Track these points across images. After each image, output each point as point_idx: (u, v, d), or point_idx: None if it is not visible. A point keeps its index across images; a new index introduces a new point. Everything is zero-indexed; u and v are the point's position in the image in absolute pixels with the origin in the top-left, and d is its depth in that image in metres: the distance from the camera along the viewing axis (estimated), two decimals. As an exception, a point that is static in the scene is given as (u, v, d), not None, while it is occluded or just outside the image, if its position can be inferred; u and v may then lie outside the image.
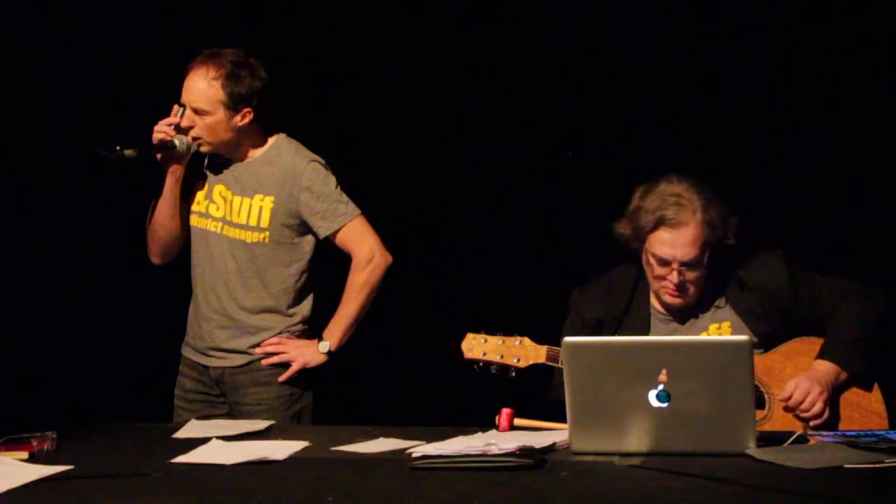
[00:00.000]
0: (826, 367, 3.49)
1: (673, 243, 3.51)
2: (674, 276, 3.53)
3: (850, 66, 4.49)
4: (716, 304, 3.63)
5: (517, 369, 3.60)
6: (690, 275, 3.53)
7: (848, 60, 4.48)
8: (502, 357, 3.60)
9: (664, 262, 3.53)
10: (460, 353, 3.65)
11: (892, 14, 4.40)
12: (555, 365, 3.56)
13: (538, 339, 3.61)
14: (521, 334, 3.61)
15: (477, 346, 3.62)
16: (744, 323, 3.59)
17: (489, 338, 3.63)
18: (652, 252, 3.55)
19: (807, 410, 3.44)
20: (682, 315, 3.64)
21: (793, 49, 4.55)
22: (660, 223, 3.52)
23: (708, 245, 3.52)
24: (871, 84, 4.48)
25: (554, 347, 3.56)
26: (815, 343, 3.57)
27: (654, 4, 4.67)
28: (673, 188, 3.53)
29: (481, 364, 3.62)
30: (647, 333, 3.61)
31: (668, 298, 3.59)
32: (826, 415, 3.45)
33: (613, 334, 3.59)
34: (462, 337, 3.67)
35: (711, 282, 3.62)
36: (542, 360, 3.58)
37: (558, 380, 3.58)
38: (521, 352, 3.59)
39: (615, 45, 4.69)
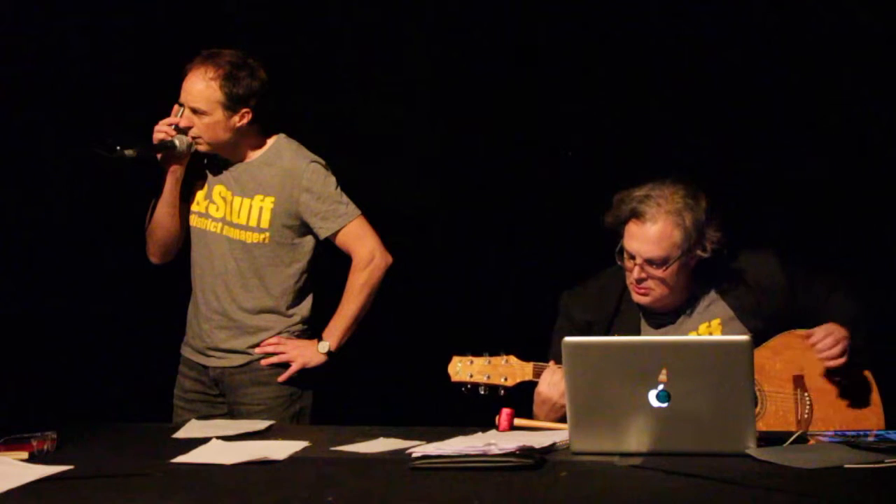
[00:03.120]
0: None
1: (639, 238, 3.52)
2: (635, 272, 3.54)
3: (848, 66, 4.49)
4: (707, 302, 3.64)
5: (506, 388, 3.59)
6: (654, 273, 3.53)
7: (846, 60, 4.49)
8: (489, 378, 3.59)
9: (630, 256, 3.55)
10: (446, 377, 3.64)
11: (890, 14, 4.41)
12: None
13: (523, 355, 3.61)
14: (507, 351, 3.60)
15: (464, 369, 3.61)
16: (735, 316, 3.59)
17: (475, 359, 3.61)
18: (623, 243, 3.57)
19: (828, 349, 3.44)
20: (671, 316, 3.64)
21: (791, 49, 4.55)
22: (632, 216, 3.54)
23: (678, 249, 3.51)
24: (868, 83, 4.49)
25: (540, 364, 3.56)
26: (804, 336, 3.58)
27: (654, 4, 4.67)
28: (660, 188, 3.54)
29: (469, 386, 3.62)
30: (636, 335, 3.61)
31: (632, 294, 3.60)
32: (844, 358, 3.45)
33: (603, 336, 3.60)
34: (458, 343, 3.66)
35: (703, 280, 3.63)
36: (529, 377, 3.57)
37: None
38: (508, 371, 3.58)
39: (615, 45, 4.69)
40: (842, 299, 3.57)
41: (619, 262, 3.60)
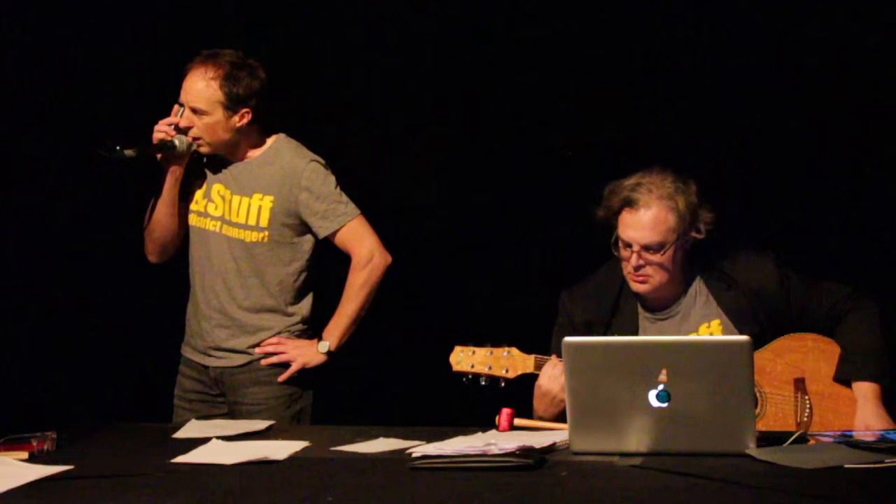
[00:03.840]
0: (871, 390, 3.46)
1: (634, 225, 3.54)
2: (633, 259, 3.55)
3: (844, 66, 4.49)
4: (703, 299, 3.64)
5: (506, 380, 3.60)
6: (652, 259, 3.54)
7: (841, 60, 4.49)
8: (491, 369, 3.60)
9: (626, 245, 3.56)
10: (448, 366, 3.64)
11: (889, 13, 4.41)
12: None
13: (527, 347, 3.61)
14: (510, 343, 3.61)
15: (465, 359, 3.62)
16: (732, 323, 3.59)
17: (477, 350, 3.62)
18: (618, 234, 3.58)
19: None
20: (670, 314, 3.64)
21: (787, 50, 4.56)
22: (625, 205, 3.55)
23: (673, 232, 3.53)
24: (865, 84, 4.48)
25: (542, 357, 3.58)
26: (805, 339, 3.58)
27: (652, 4, 4.67)
28: (648, 175, 3.57)
29: (470, 377, 3.62)
30: (635, 333, 3.61)
31: (631, 283, 3.61)
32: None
33: (603, 335, 3.60)
34: (459, 338, 3.66)
35: (700, 281, 3.64)
36: (530, 370, 3.58)
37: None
38: (510, 363, 3.59)
39: (614, 45, 4.69)
40: (859, 323, 3.53)
41: (615, 253, 3.61)
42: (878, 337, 3.53)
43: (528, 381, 3.58)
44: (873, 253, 4.42)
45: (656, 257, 3.54)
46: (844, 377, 3.51)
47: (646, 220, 3.53)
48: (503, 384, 3.59)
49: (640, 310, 3.67)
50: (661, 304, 3.65)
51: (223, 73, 3.89)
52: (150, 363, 4.55)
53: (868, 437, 3.16)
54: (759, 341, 3.54)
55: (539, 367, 3.55)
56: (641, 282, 3.58)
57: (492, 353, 3.61)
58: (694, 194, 3.57)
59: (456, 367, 3.63)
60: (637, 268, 3.55)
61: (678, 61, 4.63)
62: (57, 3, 4.73)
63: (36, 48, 4.73)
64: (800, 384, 3.53)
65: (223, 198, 4.02)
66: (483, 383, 3.61)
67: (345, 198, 3.99)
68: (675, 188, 3.55)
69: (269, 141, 4.03)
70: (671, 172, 3.58)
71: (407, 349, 4.77)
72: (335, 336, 3.99)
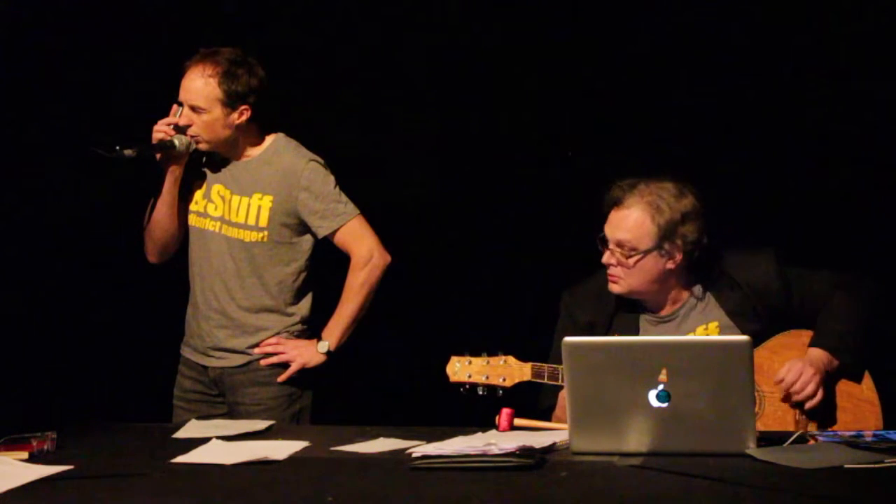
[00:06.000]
0: (818, 353, 3.49)
1: (613, 222, 3.55)
2: (605, 256, 3.56)
3: (842, 64, 4.50)
4: (704, 303, 3.63)
5: (504, 389, 3.59)
6: (623, 260, 3.53)
7: (838, 58, 4.49)
8: (488, 378, 3.59)
9: (604, 242, 3.56)
10: (445, 377, 3.63)
11: (887, 13, 4.41)
12: (540, 381, 3.56)
13: (522, 355, 3.60)
14: (506, 351, 3.60)
15: (462, 369, 3.61)
16: (732, 322, 3.58)
17: (473, 359, 3.60)
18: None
19: (799, 392, 3.44)
20: (671, 317, 3.64)
21: (785, 48, 4.56)
22: (611, 205, 3.57)
23: (648, 238, 3.51)
24: (862, 81, 4.49)
25: (538, 364, 3.56)
26: (802, 336, 3.57)
27: (651, 4, 4.67)
28: (646, 180, 3.56)
29: (467, 386, 3.61)
30: (635, 335, 3.61)
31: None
32: (819, 396, 3.45)
33: (604, 336, 3.59)
34: (458, 343, 3.66)
35: (699, 282, 3.63)
36: (527, 377, 3.56)
37: (545, 391, 3.61)
38: (507, 371, 3.58)
39: (615, 44, 4.69)
40: (839, 304, 3.54)
41: (600, 248, 3.60)
42: (854, 316, 3.52)
43: (527, 385, 3.58)
44: (872, 250, 4.42)
45: (628, 259, 3.53)
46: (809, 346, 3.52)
47: (622, 218, 3.53)
48: (500, 393, 3.59)
49: (640, 312, 3.66)
50: (657, 307, 3.64)
51: (222, 71, 3.90)
52: (150, 363, 4.54)
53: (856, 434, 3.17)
54: (758, 339, 3.54)
55: (536, 374, 3.55)
56: (612, 282, 3.58)
57: (488, 362, 3.59)
58: (679, 212, 3.52)
59: (453, 378, 3.61)
60: (608, 265, 3.56)
61: (679, 61, 4.64)
62: (57, 3, 4.73)
63: (36, 48, 4.73)
64: None
65: (223, 198, 4.02)
66: (481, 393, 3.60)
67: (344, 197, 3.99)
68: (663, 198, 3.52)
69: (269, 140, 4.03)
70: (671, 181, 3.56)
71: (406, 349, 4.77)
72: (335, 336, 3.99)
